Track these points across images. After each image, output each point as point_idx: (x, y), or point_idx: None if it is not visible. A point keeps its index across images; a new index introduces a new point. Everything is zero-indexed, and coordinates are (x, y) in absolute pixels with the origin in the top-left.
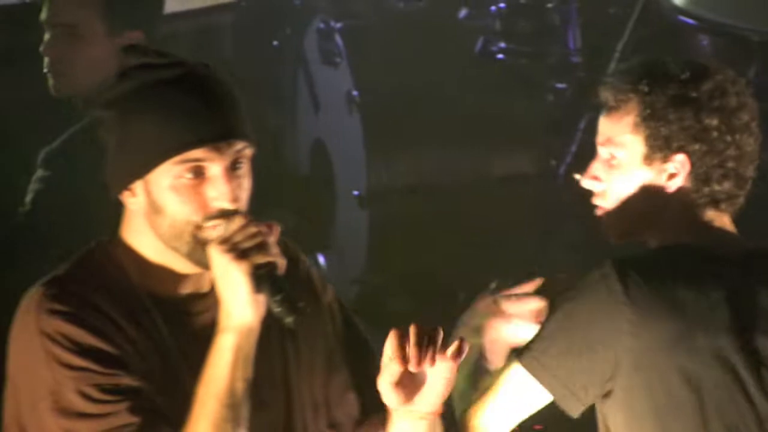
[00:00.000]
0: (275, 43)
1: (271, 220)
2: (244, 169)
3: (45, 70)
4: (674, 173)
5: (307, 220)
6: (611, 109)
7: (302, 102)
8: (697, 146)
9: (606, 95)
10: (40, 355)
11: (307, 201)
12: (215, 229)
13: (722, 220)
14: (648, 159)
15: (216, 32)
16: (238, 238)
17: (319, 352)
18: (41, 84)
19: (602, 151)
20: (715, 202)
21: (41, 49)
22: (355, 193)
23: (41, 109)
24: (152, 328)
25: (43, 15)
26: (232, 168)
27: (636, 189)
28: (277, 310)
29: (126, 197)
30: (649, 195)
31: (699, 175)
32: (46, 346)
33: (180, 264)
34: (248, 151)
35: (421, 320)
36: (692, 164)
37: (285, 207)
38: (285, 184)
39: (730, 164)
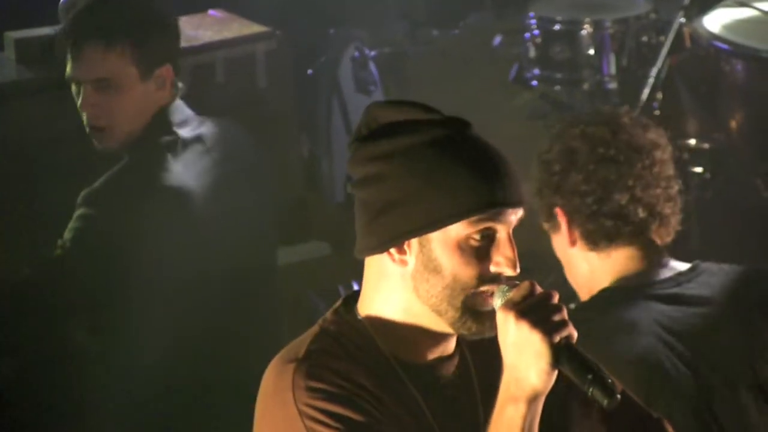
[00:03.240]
0: (310, 71)
1: (309, 248)
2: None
3: (87, 130)
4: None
5: (342, 249)
6: None
7: (336, 130)
8: (559, 198)
9: None
10: None
11: (342, 229)
12: (490, 294)
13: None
14: (547, 225)
15: (250, 61)
16: (543, 310)
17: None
18: (75, 117)
19: None
20: (608, 238)
21: (78, 106)
22: None
23: (74, 141)
24: (403, 392)
25: (70, 71)
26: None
27: (562, 255)
28: (589, 390)
29: (391, 255)
30: (569, 259)
31: (577, 222)
32: (308, 426)
33: (429, 329)
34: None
35: None
36: (567, 214)
37: (319, 236)
38: (319, 212)
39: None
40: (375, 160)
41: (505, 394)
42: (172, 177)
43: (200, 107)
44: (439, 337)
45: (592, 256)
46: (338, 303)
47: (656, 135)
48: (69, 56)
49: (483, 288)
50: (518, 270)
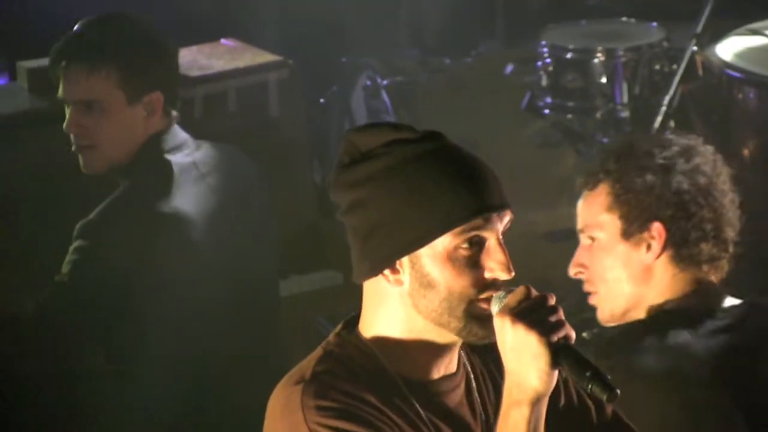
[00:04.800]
0: (322, 100)
1: (322, 277)
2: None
3: (72, 149)
4: (651, 243)
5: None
6: (585, 194)
7: None
8: (670, 212)
9: (579, 182)
10: None
11: None
12: (491, 301)
13: (708, 281)
14: (626, 234)
15: (263, 90)
16: (538, 312)
17: None
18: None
19: (583, 239)
20: (697, 265)
21: (64, 127)
22: None
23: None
24: (409, 410)
25: (60, 92)
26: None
27: (620, 267)
28: (589, 387)
29: (385, 276)
30: (633, 270)
31: (676, 240)
32: None
33: (433, 343)
34: (509, 223)
35: None
36: (668, 230)
37: (332, 264)
38: (332, 241)
39: (707, 226)
40: (355, 186)
41: (508, 399)
42: (165, 205)
43: (212, 136)
44: (444, 352)
45: (670, 275)
46: (339, 327)
47: None
48: (60, 77)
49: (483, 295)
50: (513, 273)
